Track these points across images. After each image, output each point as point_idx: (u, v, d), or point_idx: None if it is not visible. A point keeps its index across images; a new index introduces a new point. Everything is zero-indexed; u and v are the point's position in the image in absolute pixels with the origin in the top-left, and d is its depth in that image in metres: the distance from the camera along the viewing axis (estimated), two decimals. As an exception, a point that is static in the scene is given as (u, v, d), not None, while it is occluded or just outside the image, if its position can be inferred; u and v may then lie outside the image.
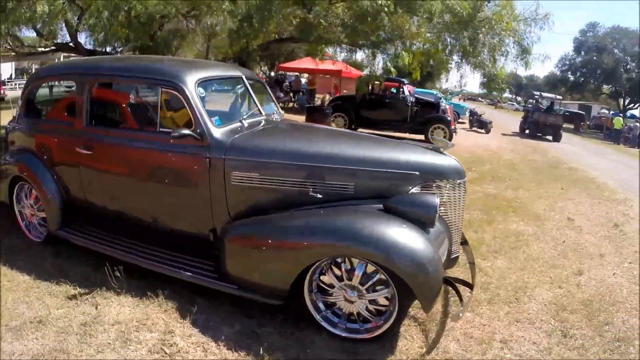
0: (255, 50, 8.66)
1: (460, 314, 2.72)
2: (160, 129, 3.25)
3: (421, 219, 2.67)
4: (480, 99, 59.71)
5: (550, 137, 19.25)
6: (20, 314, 2.94)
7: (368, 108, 13.07)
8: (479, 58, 6.47)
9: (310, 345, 2.73)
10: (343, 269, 2.68)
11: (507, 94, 62.79)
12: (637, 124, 25.72)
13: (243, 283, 2.87)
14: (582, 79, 39.60)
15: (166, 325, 2.86)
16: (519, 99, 60.21)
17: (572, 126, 29.66)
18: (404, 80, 12.34)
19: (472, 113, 20.57)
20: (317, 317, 2.80)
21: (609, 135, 25.68)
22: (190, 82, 3.11)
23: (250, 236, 2.86)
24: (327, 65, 16.23)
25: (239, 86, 3.92)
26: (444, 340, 2.87)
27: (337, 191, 2.88)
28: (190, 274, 3.03)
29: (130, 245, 3.40)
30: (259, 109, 3.71)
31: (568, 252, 4.80)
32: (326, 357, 2.63)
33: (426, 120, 12.73)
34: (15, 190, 4.03)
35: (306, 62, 20.44)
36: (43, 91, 4.64)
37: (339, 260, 2.70)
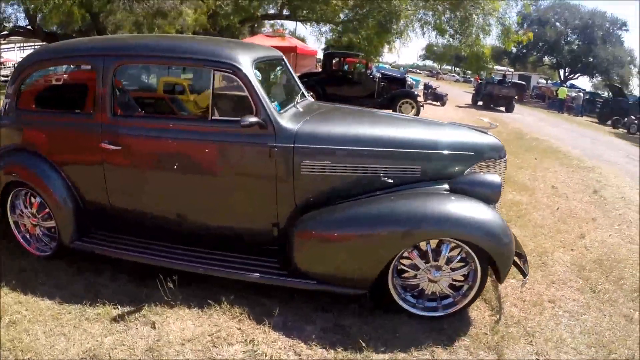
0: (236, 27, 8.48)
1: (526, 281, 2.99)
2: (213, 117, 2.94)
3: (486, 197, 2.81)
4: (418, 70, 61.42)
5: (502, 108, 20.30)
6: (63, 350, 2.39)
7: (335, 84, 13.03)
8: (468, 38, 6.74)
9: (398, 328, 2.73)
10: (428, 250, 2.73)
11: (446, 66, 64.78)
12: (580, 93, 27.50)
13: (319, 277, 2.76)
14: (524, 50, 41.47)
15: (244, 334, 2.59)
16: (458, 69, 62.22)
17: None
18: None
19: (427, 86, 21.19)
20: (398, 300, 2.80)
21: (553, 104, 27.29)
22: (247, 63, 2.86)
23: (327, 229, 2.73)
24: (284, 43, 16.07)
25: (278, 68, 3.81)
26: (505, 307, 3.10)
27: (406, 175, 2.89)
28: (258, 274, 2.81)
29: (175, 250, 3.05)
30: (303, 92, 3.62)
31: (565, 218, 5.23)
32: (419, 337, 2.65)
33: (393, 95, 12.96)
34: (9, 198, 3.42)
35: (259, 40, 20.08)
36: (39, 77, 4.07)
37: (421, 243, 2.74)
